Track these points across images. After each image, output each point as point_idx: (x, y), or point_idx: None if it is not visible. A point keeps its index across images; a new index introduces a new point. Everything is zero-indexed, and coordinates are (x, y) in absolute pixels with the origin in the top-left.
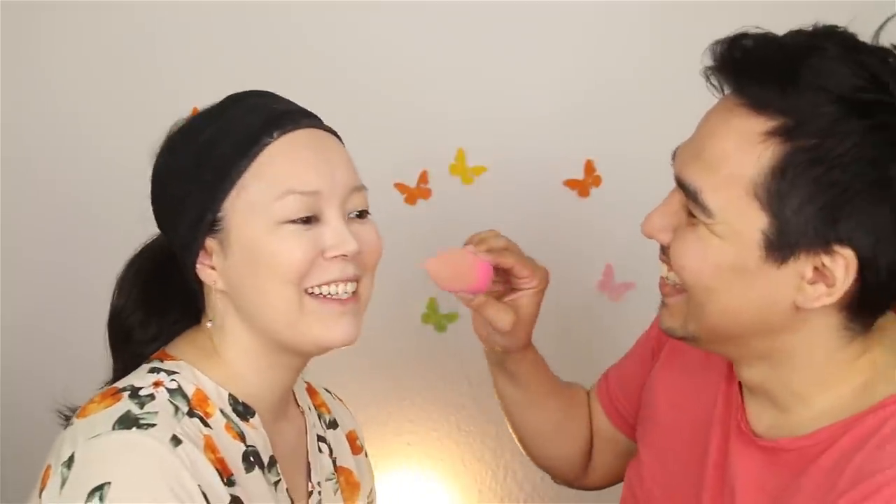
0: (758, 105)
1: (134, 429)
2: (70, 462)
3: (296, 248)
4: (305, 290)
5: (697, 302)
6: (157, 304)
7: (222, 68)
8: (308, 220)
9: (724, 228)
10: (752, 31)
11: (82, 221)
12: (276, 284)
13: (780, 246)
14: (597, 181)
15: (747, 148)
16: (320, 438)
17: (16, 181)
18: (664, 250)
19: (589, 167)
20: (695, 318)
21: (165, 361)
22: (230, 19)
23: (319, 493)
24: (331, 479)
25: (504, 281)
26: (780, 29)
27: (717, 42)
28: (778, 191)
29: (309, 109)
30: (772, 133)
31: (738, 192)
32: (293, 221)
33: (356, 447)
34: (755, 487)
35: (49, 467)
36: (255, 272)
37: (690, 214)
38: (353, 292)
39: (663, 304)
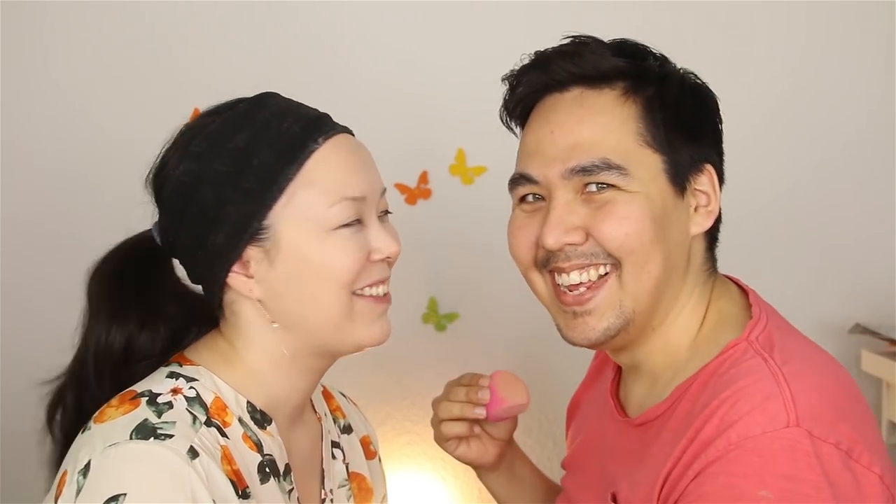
0: (596, 82)
1: (152, 439)
2: (86, 470)
3: (350, 252)
4: (354, 293)
5: (637, 267)
6: (146, 318)
7: (224, 68)
8: (356, 224)
9: (639, 182)
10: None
11: (82, 222)
12: (328, 290)
13: (678, 177)
14: None
15: (615, 114)
16: (334, 444)
17: (20, 181)
18: (555, 254)
19: None
20: (632, 291)
21: (184, 366)
22: (232, 19)
23: (332, 500)
24: (343, 486)
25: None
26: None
27: (525, 65)
28: (656, 133)
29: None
30: (623, 95)
31: (632, 146)
32: (344, 226)
33: (370, 452)
34: (634, 461)
35: (65, 474)
36: (306, 279)
37: (589, 199)
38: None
39: (586, 313)
